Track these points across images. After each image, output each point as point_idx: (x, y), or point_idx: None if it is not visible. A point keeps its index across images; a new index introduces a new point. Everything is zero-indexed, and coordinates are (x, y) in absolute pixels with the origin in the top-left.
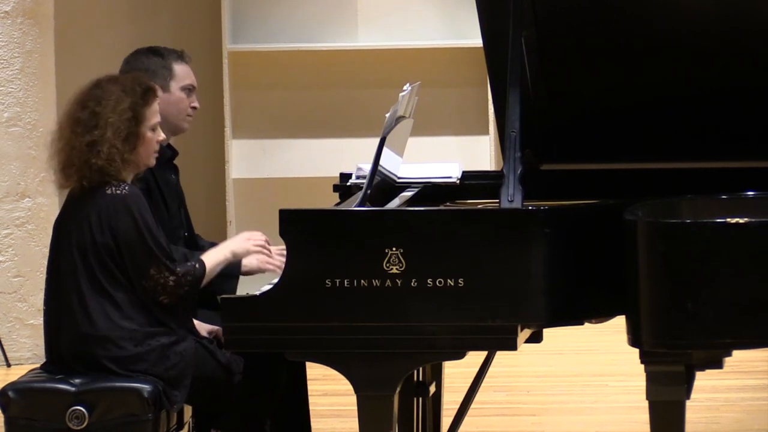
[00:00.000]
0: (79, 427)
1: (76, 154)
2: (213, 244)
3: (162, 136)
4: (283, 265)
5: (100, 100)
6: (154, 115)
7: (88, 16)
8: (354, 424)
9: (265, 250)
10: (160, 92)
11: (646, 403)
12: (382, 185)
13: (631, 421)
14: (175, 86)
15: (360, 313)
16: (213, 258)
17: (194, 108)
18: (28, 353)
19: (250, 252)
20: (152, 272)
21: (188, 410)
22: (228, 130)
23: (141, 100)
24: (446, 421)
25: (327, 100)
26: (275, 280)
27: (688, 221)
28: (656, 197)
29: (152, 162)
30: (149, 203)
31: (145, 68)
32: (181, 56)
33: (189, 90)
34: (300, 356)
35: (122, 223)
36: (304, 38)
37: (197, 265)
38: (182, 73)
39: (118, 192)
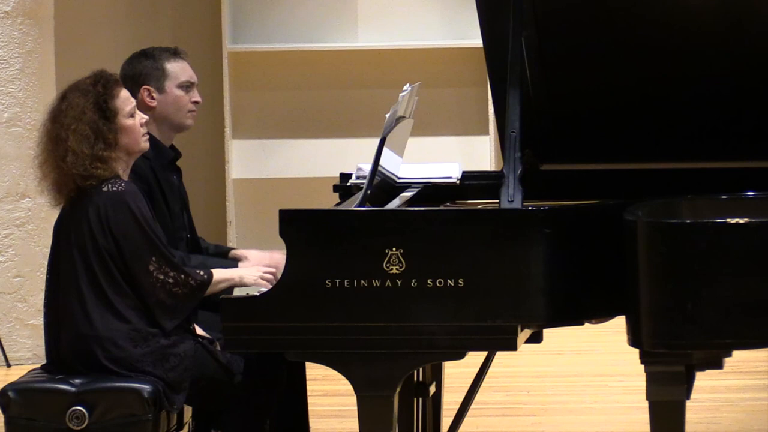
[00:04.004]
0: (79, 427)
1: (57, 171)
2: (218, 247)
3: (145, 117)
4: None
5: (65, 111)
6: (125, 102)
7: (88, 16)
8: (354, 424)
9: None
10: (156, 93)
11: (646, 403)
12: (382, 185)
13: (631, 421)
14: (170, 85)
15: (360, 313)
16: (221, 275)
17: (196, 103)
18: (28, 353)
19: (258, 282)
20: (151, 268)
21: (188, 410)
22: (228, 130)
23: (102, 96)
24: (446, 422)
25: (327, 100)
26: None
27: (688, 221)
28: (656, 197)
29: (144, 146)
30: (151, 204)
31: (139, 72)
32: (175, 53)
33: (187, 86)
34: (300, 356)
35: (120, 216)
36: (304, 38)
37: (205, 276)
38: (177, 70)
39: (114, 189)
